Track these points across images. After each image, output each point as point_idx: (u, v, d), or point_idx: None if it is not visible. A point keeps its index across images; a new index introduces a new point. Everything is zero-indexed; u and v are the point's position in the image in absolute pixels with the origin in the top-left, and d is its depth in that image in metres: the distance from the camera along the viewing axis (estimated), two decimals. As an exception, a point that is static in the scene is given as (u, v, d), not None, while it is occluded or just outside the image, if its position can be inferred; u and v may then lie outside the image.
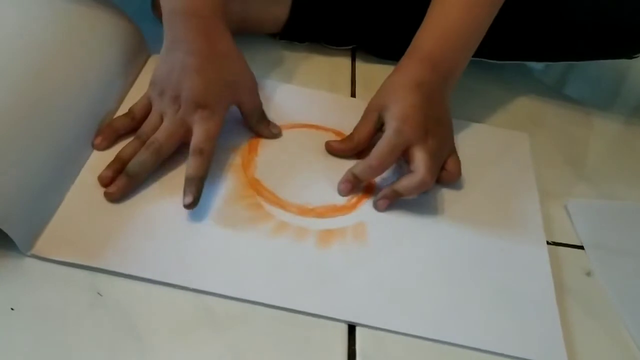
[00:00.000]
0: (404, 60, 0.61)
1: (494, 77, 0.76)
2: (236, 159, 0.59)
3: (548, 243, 0.58)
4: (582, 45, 0.71)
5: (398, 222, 0.56)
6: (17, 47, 0.56)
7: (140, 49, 0.67)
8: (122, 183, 0.53)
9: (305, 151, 0.61)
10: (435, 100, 0.59)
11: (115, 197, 0.53)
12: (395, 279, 0.52)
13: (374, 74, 0.73)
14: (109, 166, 0.54)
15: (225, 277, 0.49)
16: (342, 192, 0.57)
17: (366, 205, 0.57)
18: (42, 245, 0.49)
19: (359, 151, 0.60)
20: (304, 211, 0.55)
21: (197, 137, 0.55)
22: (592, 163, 0.69)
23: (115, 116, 0.60)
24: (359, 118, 0.61)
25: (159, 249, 0.50)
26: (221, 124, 0.57)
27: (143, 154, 0.54)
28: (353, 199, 0.57)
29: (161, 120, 0.57)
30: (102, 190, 0.53)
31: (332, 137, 0.63)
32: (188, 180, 0.53)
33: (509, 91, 0.76)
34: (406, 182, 0.55)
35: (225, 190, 0.56)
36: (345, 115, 0.63)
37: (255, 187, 0.56)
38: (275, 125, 0.62)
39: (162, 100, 0.57)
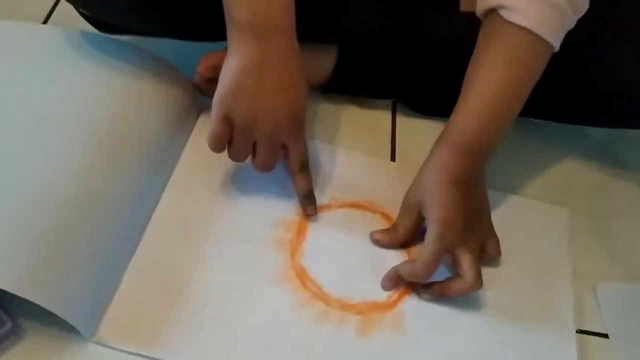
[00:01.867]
0: (439, 147, 0.61)
1: (529, 136, 0.76)
2: (283, 236, 0.61)
3: (577, 332, 0.61)
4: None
5: (436, 310, 0.59)
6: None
7: (193, 104, 0.68)
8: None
9: (352, 237, 0.63)
10: (473, 191, 0.60)
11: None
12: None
13: (413, 128, 0.74)
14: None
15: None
16: (385, 288, 0.59)
17: (407, 302, 0.59)
18: (104, 332, 0.53)
19: (403, 243, 0.62)
20: (345, 307, 0.58)
21: (299, 154, 0.61)
22: (629, 240, 0.70)
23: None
24: (401, 188, 0.62)
25: (207, 338, 0.54)
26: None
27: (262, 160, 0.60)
28: (394, 295, 0.59)
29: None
30: (158, 268, 0.57)
31: (380, 221, 0.64)
32: (304, 195, 0.62)
33: (546, 152, 0.76)
34: (455, 288, 0.58)
35: (270, 273, 0.59)
36: (388, 187, 0.66)
37: (301, 276, 0.59)
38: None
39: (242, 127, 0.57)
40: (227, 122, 0.56)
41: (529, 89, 0.60)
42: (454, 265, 0.58)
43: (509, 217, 0.67)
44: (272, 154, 0.59)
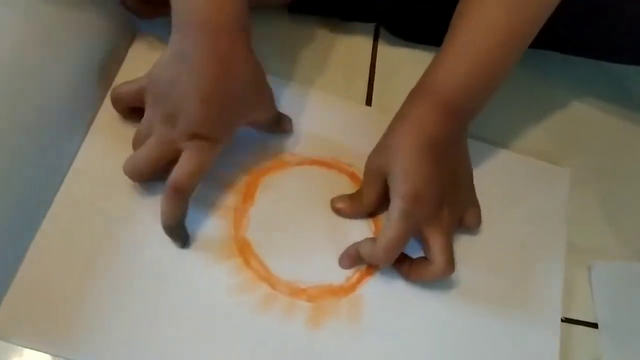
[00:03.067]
0: (414, 101, 0.50)
1: (528, 75, 0.64)
2: (228, 202, 0.51)
3: (562, 320, 0.53)
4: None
5: (399, 294, 0.50)
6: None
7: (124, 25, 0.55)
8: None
9: (309, 202, 0.52)
10: (452, 155, 0.50)
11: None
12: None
13: (399, 61, 0.62)
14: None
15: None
16: (343, 266, 0.50)
17: (368, 285, 0.50)
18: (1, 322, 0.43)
19: (370, 213, 0.53)
20: (295, 292, 0.49)
21: (182, 170, 0.46)
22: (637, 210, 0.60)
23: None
24: (375, 142, 0.51)
25: (128, 331, 0.45)
26: (217, 156, 0.48)
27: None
28: (353, 277, 0.50)
29: (150, 132, 0.48)
30: (67, 246, 0.46)
31: (346, 183, 0.54)
32: (167, 228, 0.47)
33: (547, 98, 0.64)
34: (422, 274, 0.49)
35: (208, 246, 0.49)
36: (360, 139, 0.54)
37: (243, 251, 0.49)
38: (289, 121, 0.54)
39: (155, 107, 0.48)
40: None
41: (529, 40, 0.49)
42: (423, 247, 0.49)
43: (496, 176, 0.57)
44: (155, 157, 0.47)
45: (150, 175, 0.48)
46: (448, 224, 0.49)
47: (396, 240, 0.47)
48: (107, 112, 0.52)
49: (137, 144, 0.49)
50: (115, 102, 0.51)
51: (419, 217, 0.47)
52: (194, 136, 0.46)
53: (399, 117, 0.50)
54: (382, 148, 0.50)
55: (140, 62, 0.51)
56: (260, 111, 0.51)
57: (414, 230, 0.48)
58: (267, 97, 0.51)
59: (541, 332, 0.52)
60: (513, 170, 0.58)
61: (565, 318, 0.53)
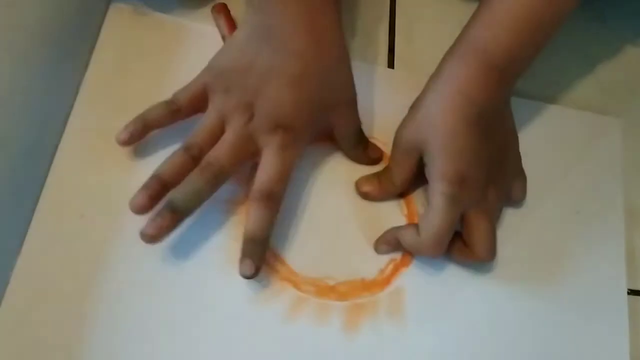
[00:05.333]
0: (454, 61, 0.42)
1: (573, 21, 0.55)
2: (237, 196, 0.44)
3: (628, 293, 0.47)
4: None
5: (444, 281, 0.44)
6: None
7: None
8: (164, 222, 0.39)
9: (329, 184, 0.46)
10: (499, 126, 0.43)
11: (156, 241, 0.39)
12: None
13: (426, 10, 0.54)
14: (143, 188, 0.39)
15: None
16: (379, 251, 0.44)
17: (404, 276, 0.44)
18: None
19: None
20: (323, 290, 0.43)
21: (268, 172, 0.40)
22: None
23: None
24: (401, 111, 0.44)
25: (143, 349, 0.40)
26: (301, 155, 0.42)
27: (196, 181, 0.39)
28: (387, 268, 0.44)
29: (222, 127, 0.41)
30: (47, 279, 0.40)
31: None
32: (250, 240, 0.40)
33: (594, 43, 0.55)
34: (459, 258, 0.43)
35: (220, 249, 0.42)
36: (382, 108, 0.47)
37: (261, 250, 0.43)
38: (375, 148, 0.46)
39: (227, 99, 0.41)
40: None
41: None
42: (463, 230, 0.42)
43: (541, 135, 0.49)
44: (235, 153, 0.41)
45: (228, 178, 0.41)
46: (494, 206, 0.43)
47: (444, 230, 0.41)
48: (87, 97, 0.45)
49: (190, 151, 0.41)
50: (168, 116, 0.42)
51: (465, 201, 0.41)
52: (277, 127, 0.40)
53: (436, 80, 0.42)
54: (416, 119, 0.42)
55: (118, 38, 0.45)
56: (343, 113, 0.44)
57: (460, 215, 0.41)
58: (352, 95, 0.44)
59: (606, 308, 0.46)
60: (558, 126, 0.50)
61: (631, 290, 0.47)
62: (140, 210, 0.39)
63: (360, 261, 0.44)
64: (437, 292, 0.44)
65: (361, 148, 0.46)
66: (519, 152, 0.46)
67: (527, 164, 0.46)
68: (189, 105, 0.42)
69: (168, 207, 0.39)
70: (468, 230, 0.42)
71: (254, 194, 0.40)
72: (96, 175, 0.43)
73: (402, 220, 0.45)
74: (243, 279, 0.41)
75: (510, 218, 0.46)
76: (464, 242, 0.42)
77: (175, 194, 0.39)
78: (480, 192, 0.41)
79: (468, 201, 0.41)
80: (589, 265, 0.46)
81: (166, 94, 0.45)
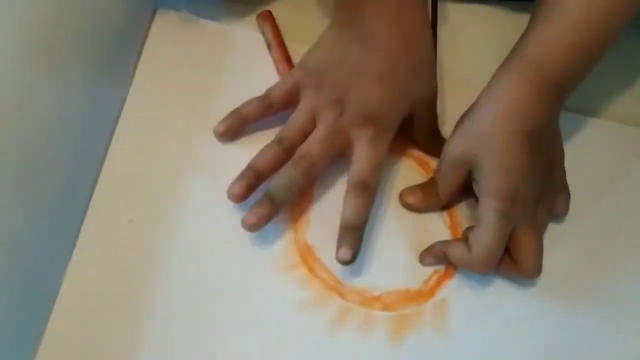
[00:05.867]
0: (508, 76, 0.42)
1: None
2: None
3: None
4: None
5: (488, 293, 0.44)
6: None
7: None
8: (264, 211, 0.41)
9: (377, 194, 0.44)
10: (548, 141, 0.43)
11: (256, 229, 0.42)
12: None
13: (467, 19, 0.54)
14: (240, 178, 0.42)
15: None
16: (424, 264, 0.44)
17: (448, 288, 0.44)
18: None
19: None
20: (368, 300, 0.43)
21: (363, 164, 0.42)
22: None
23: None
24: (448, 122, 0.45)
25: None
26: (389, 149, 0.43)
27: (292, 173, 0.41)
28: (431, 279, 0.44)
29: (313, 122, 0.43)
30: (98, 285, 0.40)
31: (413, 170, 0.47)
32: (347, 227, 0.41)
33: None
34: (506, 272, 0.43)
35: (266, 256, 0.43)
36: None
37: (307, 259, 0.43)
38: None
39: (318, 95, 0.43)
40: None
41: None
42: (511, 245, 0.42)
43: (584, 150, 0.49)
44: (327, 146, 0.42)
45: (322, 173, 0.43)
46: (542, 222, 0.43)
47: (495, 247, 0.41)
48: (134, 107, 0.46)
49: (283, 144, 0.43)
50: (261, 110, 0.44)
51: (516, 218, 0.41)
52: (367, 121, 0.42)
53: (490, 96, 0.42)
54: (467, 134, 0.43)
55: (164, 46, 0.46)
56: (423, 106, 0.45)
57: (510, 231, 0.41)
58: (434, 90, 0.46)
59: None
60: (600, 140, 0.50)
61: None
62: (238, 198, 0.41)
63: (404, 271, 0.44)
64: (480, 305, 0.44)
65: (435, 143, 0.46)
66: (564, 167, 0.46)
67: (570, 178, 0.46)
68: (281, 100, 0.44)
69: (267, 197, 0.41)
70: (517, 247, 0.42)
71: (350, 184, 0.42)
72: (144, 181, 0.44)
73: (445, 232, 0.45)
74: (290, 289, 0.42)
75: (555, 233, 0.46)
76: (510, 257, 0.43)
77: (273, 185, 0.41)
78: (531, 208, 0.42)
79: (518, 218, 0.41)
80: (634, 280, 0.46)
81: (215, 101, 0.46)
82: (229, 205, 0.43)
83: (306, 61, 0.45)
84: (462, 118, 0.44)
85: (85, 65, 0.44)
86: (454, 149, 0.43)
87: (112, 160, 0.44)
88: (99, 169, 0.43)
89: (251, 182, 0.42)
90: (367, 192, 0.41)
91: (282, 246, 0.43)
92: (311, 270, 0.43)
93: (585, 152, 0.49)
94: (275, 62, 0.48)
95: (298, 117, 0.43)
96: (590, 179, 0.48)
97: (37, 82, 0.40)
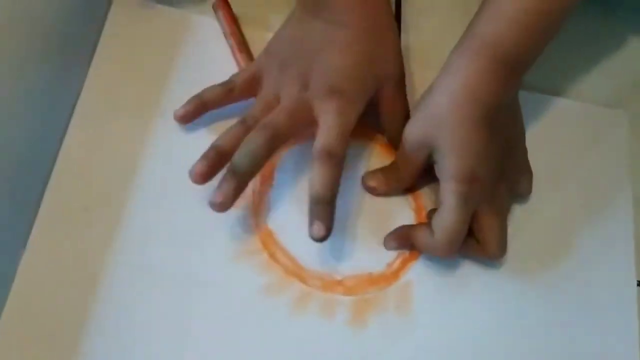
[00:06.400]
0: (463, 57, 0.41)
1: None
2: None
3: (638, 284, 0.46)
4: None
5: (452, 275, 0.43)
6: None
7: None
8: (229, 186, 0.39)
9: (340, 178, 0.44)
10: (507, 121, 0.42)
11: (225, 208, 0.40)
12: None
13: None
14: (202, 158, 0.41)
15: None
16: (389, 247, 0.44)
17: (412, 270, 0.43)
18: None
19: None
20: (329, 285, 0.42)
21: (328, 133, 0.41)
22: None
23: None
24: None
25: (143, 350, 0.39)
26: (355, 122, 0.42)
27: (254, 140, 0.40)
28: (395, 263, 0.43)
29: (278, 100, 0.43)
30: (53, 272, 0.40)
31: (377, 153, 0.46)
32: (317, 201, 0.40)
33: (600, 34, 0.54)
34: (470, 254, 0.43)
35: (226, 242, 0.42)
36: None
37: (268, 244, 0.43)
38: None
39: (282, 74, 0.43)
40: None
41: None
42: (473, 226, 0.42)
43: (546, 128, 0.49)
44: (291, 116, 0.42)
45: (287, 140, 0.42)
46: (504, 202, 0.43)
47: (457, 230, 0.40)
48: (91, 93, 0.45)
49: (247, 122, 0.42)
50: (223, 95, 0.44)
51: (477, 199, 0.40)
52: (332, 92, 0.41)
53: (445, 77, 0.41)
54: (425, 116, 0.42)
55: (121, 32, 0.45)
56: (390, 86, 0.44)
57: (472, 213, 0.41)
58: (400, 69, 0.45)
59: (616, 301, 0.45)
60: (563, 119, 0.50)
61: (640, 282, 0.47)
62: (200, 178, 0.40)
63: (367, 255, 0.43)
64: (445, 286, 0.43)
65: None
66: (525, 146, 0.45)
67: (532, 157, 0.46)
68: (243, 85, 0.44)
69: (230, 171, 0.40)
70: (479, 228, 0.41)
71: (315, 154, 0.40)
72: (100, 168, 0.43)
73: (410, 215, 0.45)
74: (251, 275, 0.41)
75: (518, 212, 0.45)
76: (474, 239, 0.42)
77: (236, 156, 0.40)
78: (491, 189, 0.41)
79: (480, 198, 0.40)
80: (598, 257, 0.45)
81: (171, 87, 0.45)
82: (187, 191, 0.42)
83: (269, 46, 0.45)
84: (420, 101, 0.43)
85: (40, 53, 0.43)
86: (412, 132, 0.42)
87: (67, 148, 0.43)
88: (54, 156, 0.43)
89: (214, 161, 0.40)
90: (334, 162, 0.40)
91: (242, 232, 0.43)
92: (272, 256, 0.42)
93: (549, 131, 0.48)
94: (231, 49, 0.47)
95: (261, 95, 0.43)
96: (554, 158, 0.48)
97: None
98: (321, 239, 0.40)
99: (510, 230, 0.43)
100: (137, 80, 0.46)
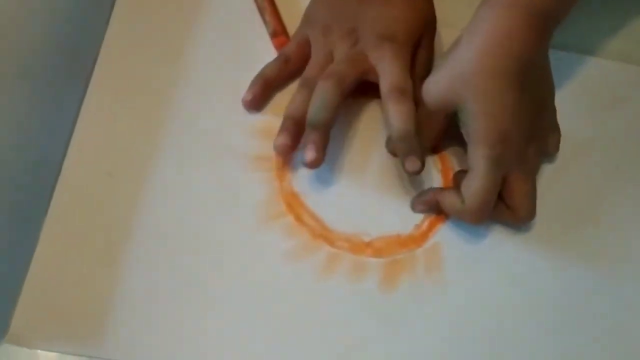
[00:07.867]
0: (490, 9, 0.38)
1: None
2: (266, 150, 0.43)
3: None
4: None
5: (481, 237, 0.42)
6: None
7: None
8: (315, 138, 0.40)
9: (361, 139, 0.44)
10: (537, 79, 0.41)
11: (319, 162, 0.40)
12: (482, 327, 0.41)
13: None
14: (282, 131, 0.42)
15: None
16: (416, 210, 0.43)
17: (441, 232, 0.43)
18: (17, 328, 0.37)
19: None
20: (358, 247, 0.41)
21: (392, 72, 0.41)
22: None
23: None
24: None
25: (167, 318, 0.38)
26: (409, 64, 0.43)
27: (324, 89, 0.40)
28: (423, 224, 0.43)
29: (331, 59, 0.43)
30: (76, 239, 0.39)
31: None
32: (402, 138, 0.40)
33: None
34: (500, 219, 0.42)
35: (250, 207, 0.42)
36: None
37: (293, 206, 0.42)
38: None
39: (328, 35, 0.44)
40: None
41: None
42: (504, 191, 0.41)
43: (574, 86, 0.47)
44: (351, 64, 0.42)
45: (353, 86, 0.42)
46: (534, 164, 0.42)
47: (488, 195, 0.39)
48: (110, 57, 0.44)
49: (308, 84, 0.42)
50: (281, 68, 0.44)
51: (507, 163, 0.39)
52: (383, 40, 0.42)
53: (472, 31, 0.39)
54: (451, 75, 0.39)
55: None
56: (429, 33, 0.45)
57: (503, 178, 0.40)
58: (434, 18, 0.46)
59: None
60: (594, 78, 0.48)
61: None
62: (287, 149, 0.41)
63: (394, 216, 0.42)
64: (474, 248, 0.42)
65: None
66: (554, 105, 0.44)
67: (561, 117, 0.45)
68: (296, 53, 0.44)
69: (309, 127, 0.41)
70: (510, 193, 0.40)
71: (386, 95, 0.41)
72: (123, 134, 0.42)
73: (436, 176, 0.44)
74: (277, 238, 0.41)
75: (548, 174, 0.44)
76: (504, 203, 0.41)
77: (310, 112, 0.40)
78: (522, 152, 0.40)
79: (511, 162, 0.39)
80: (629, 219, 0.44)
81: (196, 47, 0.45)
82: (212, 156, 0.42)
83: (308, 14, 0.45)
84: (445, 58, 0.41)
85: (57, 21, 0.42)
86: (436, 91, 0.40)
87: (88, 114, 0.42)
88: (74, 121, 0.42)
89: (294, 130, 0.41)
90: (406, 96, 0.40)
91: (266, 195, 0.42)
92: (298, 218, 0.42)
93: (579, 91, 0.47)
94: (258, 8, 0.46)
95: (314, 59, 0.44)
96: (584, 118, 0.47)
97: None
98: (418, 172, 0.40)
99: (540, 192, 0.42)
100: (160, 40, 0.45)
